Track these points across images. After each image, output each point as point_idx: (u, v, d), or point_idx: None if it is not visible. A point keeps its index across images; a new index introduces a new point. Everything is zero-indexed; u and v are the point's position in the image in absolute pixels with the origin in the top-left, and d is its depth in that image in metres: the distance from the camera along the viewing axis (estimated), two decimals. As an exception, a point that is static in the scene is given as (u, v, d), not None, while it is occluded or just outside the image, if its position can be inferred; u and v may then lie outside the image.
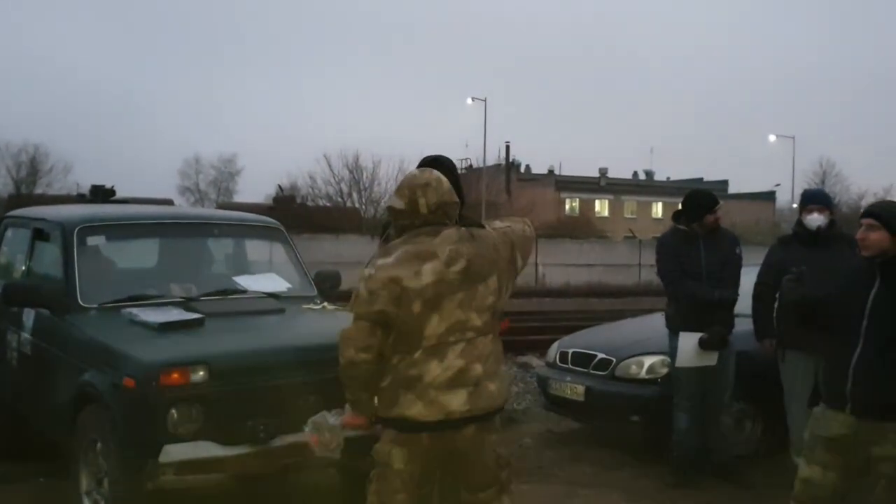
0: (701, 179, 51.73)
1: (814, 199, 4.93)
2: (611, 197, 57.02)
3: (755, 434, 5.50)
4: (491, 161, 45.29)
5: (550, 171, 57.79)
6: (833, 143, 77.14)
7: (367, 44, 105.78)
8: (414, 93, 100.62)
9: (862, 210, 3.39)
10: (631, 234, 38.55)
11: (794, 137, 45.20)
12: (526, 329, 12.31)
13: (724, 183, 55.37)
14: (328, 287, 5.15)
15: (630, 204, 56.95)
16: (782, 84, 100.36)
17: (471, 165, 45.72)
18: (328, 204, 41.62)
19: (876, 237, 3.19)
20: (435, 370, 2.69)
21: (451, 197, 2.85)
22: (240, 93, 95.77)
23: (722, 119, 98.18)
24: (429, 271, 2.69)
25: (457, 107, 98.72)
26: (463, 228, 2.84)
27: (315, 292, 5.02)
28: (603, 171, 58.57)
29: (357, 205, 42.61)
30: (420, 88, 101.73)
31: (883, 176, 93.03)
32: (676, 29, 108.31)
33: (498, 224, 3.01)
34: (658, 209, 55.94)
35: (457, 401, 2.70)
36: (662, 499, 4.90)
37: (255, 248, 5.36)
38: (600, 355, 5.88)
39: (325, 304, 4.87)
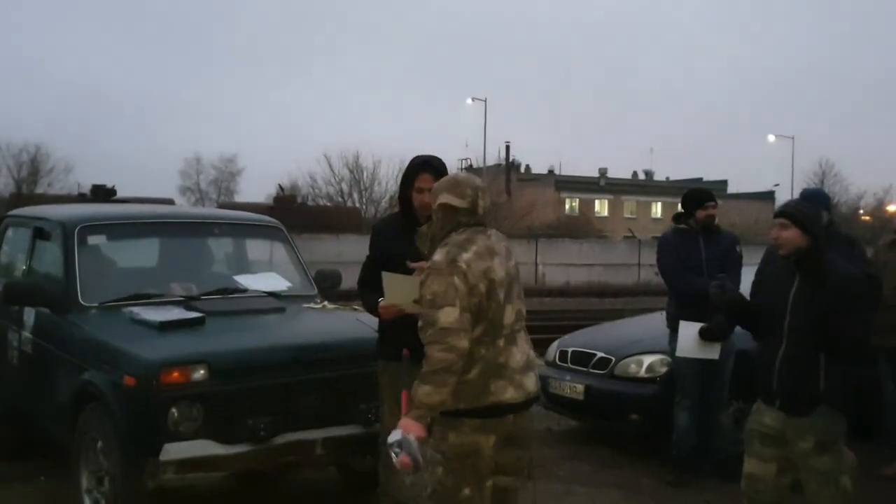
0: (700, 179, 51.66)
1: (806, 199, 4.97)
2: (610, 197, 57.00)
3: (754, 433, 5.51)
4: (491, 161, 45.37)
5: (550, 171, 57.78)
6: (832, 143, 77.18)
7: (368, 44, 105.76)
8: (414, 93, 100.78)
9: (776, 210, 3.50)
10: (630, 234, 38.52)
11: (793, 138, 45.31)
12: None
13: (724, 183, 55.36)
14: (328, 286, 5.16)
15: (630, 204, 56.93)
16: (782, 84, 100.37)
17: (471, 165, 45.71)
18: (328, 203, 41.61)
19: (788, 235, 3.34)
20: (516, 355, 2.89)
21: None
22: (240, 93, 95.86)
23: (722, 119, 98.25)
24: (499, 266, 2.89)
25: (457, 107, 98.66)
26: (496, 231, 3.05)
27: (315, 291, 5.03)
28: (602, 171, 58.56)
29: (357, 204, 42.62)
30: (420, 88, 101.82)
31: (882, 176, 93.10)
32: (676, 29, 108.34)
33: None
34: (658, 209, 55.93)
35: (531, 382, 2.93)
36: (661, 497, 4.91)
37: (256, 248, 5.38)
38: (600, 354, 5.89)
39: (326, 303, 4.87)
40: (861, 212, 47.38)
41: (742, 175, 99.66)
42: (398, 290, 3.42)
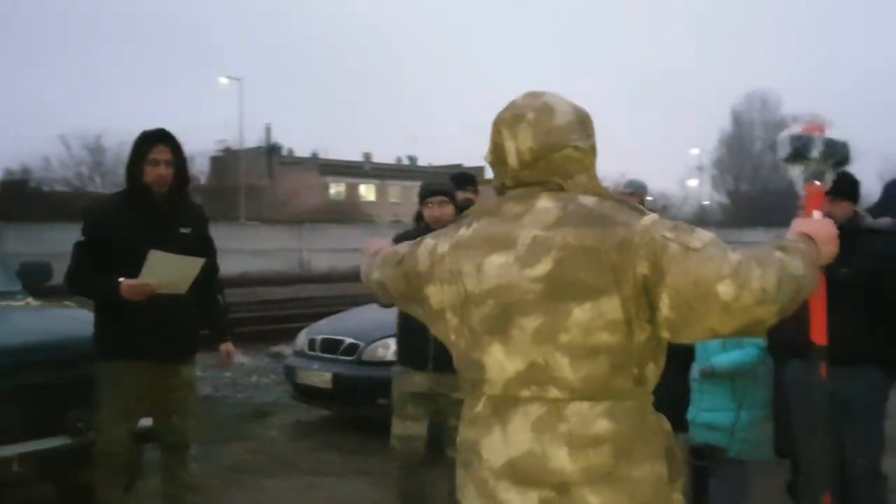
0: (460, 165, 53.95)
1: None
2: (376, 182, 57.65)
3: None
4: (252, 143, 43.89)
5: (314, 155, 57.18)
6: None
7: (113, 26, 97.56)
8: (166, 74, 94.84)
9: None
10: (396, 219, 39.32)
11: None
12: (282, 317, 11.99)
13: (482, 168, 58.22)
14: (36, 280, 4.54)
15: (395, 188, 57.99)
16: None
17: (229, 147, 43.92)
18: (68, 189, 38.01)
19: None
20: (495, 441, 1.75)
21: None
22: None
23: (478, 108, 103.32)
24: (492, 268, 1.75)
25: (212, 88, 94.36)
26: None
27: (19, 287, 4.41)
28: (367, 156, 59.09)
29: (101, 189, 39.30)
30: (172, 70, 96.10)
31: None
32: (442, 18, 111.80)
33: None
34: (421, 194, 57.56)
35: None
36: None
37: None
38: (348, 340, 5.80)
39: (30, 299, 4.29)
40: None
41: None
42: (161, 269, 3.25)
